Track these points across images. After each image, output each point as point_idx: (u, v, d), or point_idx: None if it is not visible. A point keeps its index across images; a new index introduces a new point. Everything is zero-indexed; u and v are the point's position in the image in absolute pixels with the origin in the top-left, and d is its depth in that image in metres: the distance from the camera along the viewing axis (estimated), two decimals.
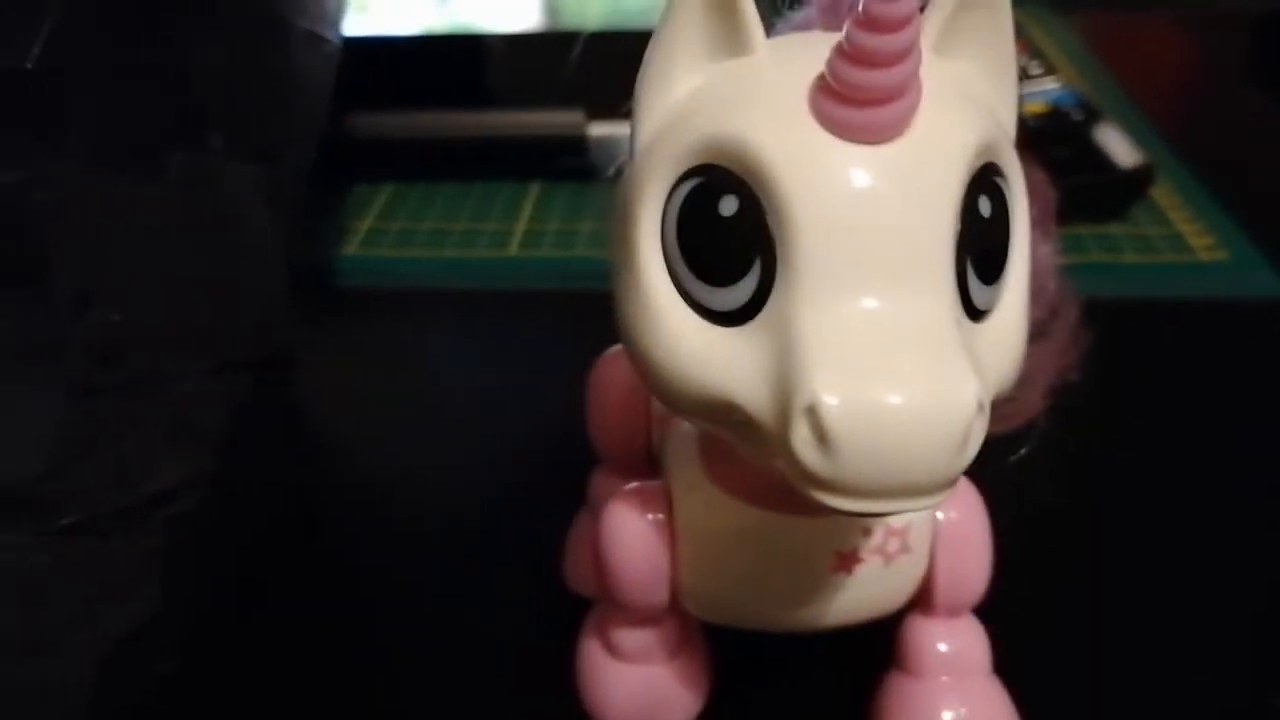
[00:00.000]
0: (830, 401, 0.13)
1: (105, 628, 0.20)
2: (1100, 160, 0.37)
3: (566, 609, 0.22)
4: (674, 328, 0.15)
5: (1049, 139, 0.39)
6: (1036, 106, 0.42)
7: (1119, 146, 0.37)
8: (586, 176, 0.41)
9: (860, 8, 0.13)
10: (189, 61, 0.20)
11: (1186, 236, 0.37)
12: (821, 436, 0.13)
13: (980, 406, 0.13)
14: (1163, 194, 0.39)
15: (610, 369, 0.21)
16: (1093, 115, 0.40)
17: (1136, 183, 0.37)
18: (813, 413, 0.13)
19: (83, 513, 0.19)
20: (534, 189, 0.41)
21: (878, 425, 0.13)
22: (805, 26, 0.17)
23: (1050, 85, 0.43)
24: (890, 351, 0.13)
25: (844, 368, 0.13)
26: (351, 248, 0.38)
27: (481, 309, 0.35)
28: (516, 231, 0.38)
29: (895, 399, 0.13)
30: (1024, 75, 0.44)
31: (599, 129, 0.40)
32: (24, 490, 0.19)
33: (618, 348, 0.22)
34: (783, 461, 0.13)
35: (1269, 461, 0.27)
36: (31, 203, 0.18)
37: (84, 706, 0.20)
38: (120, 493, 0.20)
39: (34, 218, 0.18)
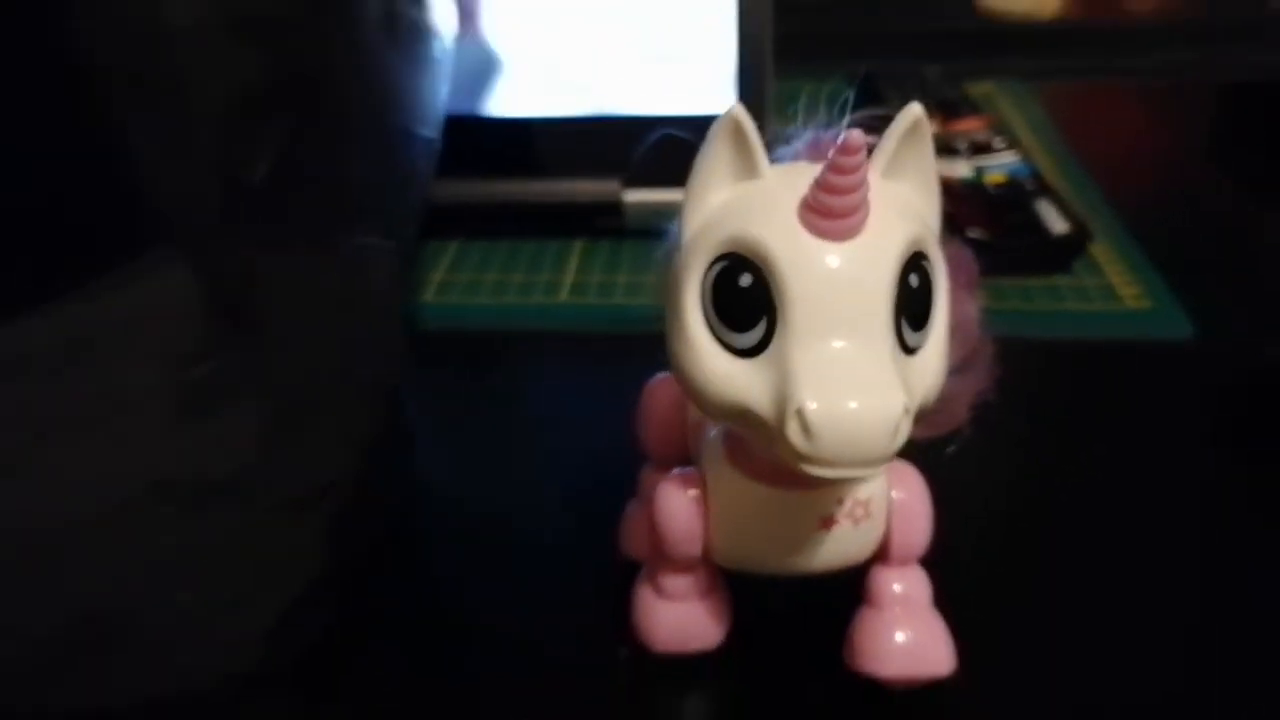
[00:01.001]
0: (812, 405, 0.20)
1: (283, 591, 0.28)
2: (1039, 226, 0.45)
3: (622, 569, 0.29)
4: (708, 359, 0.22)
5: (1005, 206, 0.47)
6: (997, 177, 0.49)
7: (1054, 215, 0.45)
8: (621, 235, 0.48)
9: (831, 156, 0.20)
10: (350, 170, 0.28)
11: (1117, 287, 0.44)
12: (805, 428, 0.20)
13: (906, 410, 0.20)
14: (1101, 251, 0.47)
15: (656, 392, 0.29)
16: (1042, 186, 0.48)
17: (1070, 246, 0.44)
18: (800, 413, 0.20)
19: (274, 499, 0.27)
20: (577, 245, 0.49)
21: (840, 421, 0.20)
22: (796, 158, 0.24)
23: (1010, 159, 0.51)
24: (849, 375, 0.20)
25: (820, 385, 0.20)
26: (429, 296, 0.45)
27: (539, 348, 0.42)
28: (565, 282, 0.46)
29: (852, 404, 0.20)
30: (988, 149, 0.51)
31: (631, 195, 0.48)
32: (234, 479, 0.26)
33: (660, 376, 0.29)
34: (780, 446, 0.21)
35: (1161, 471, 0.34)
36: (256, 269, 0.25)
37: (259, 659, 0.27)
38: (298, 485, 0.27)
39: (260, 283, 0.25)
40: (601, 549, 0.31)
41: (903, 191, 0.23)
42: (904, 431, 0.20)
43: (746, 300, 0.21)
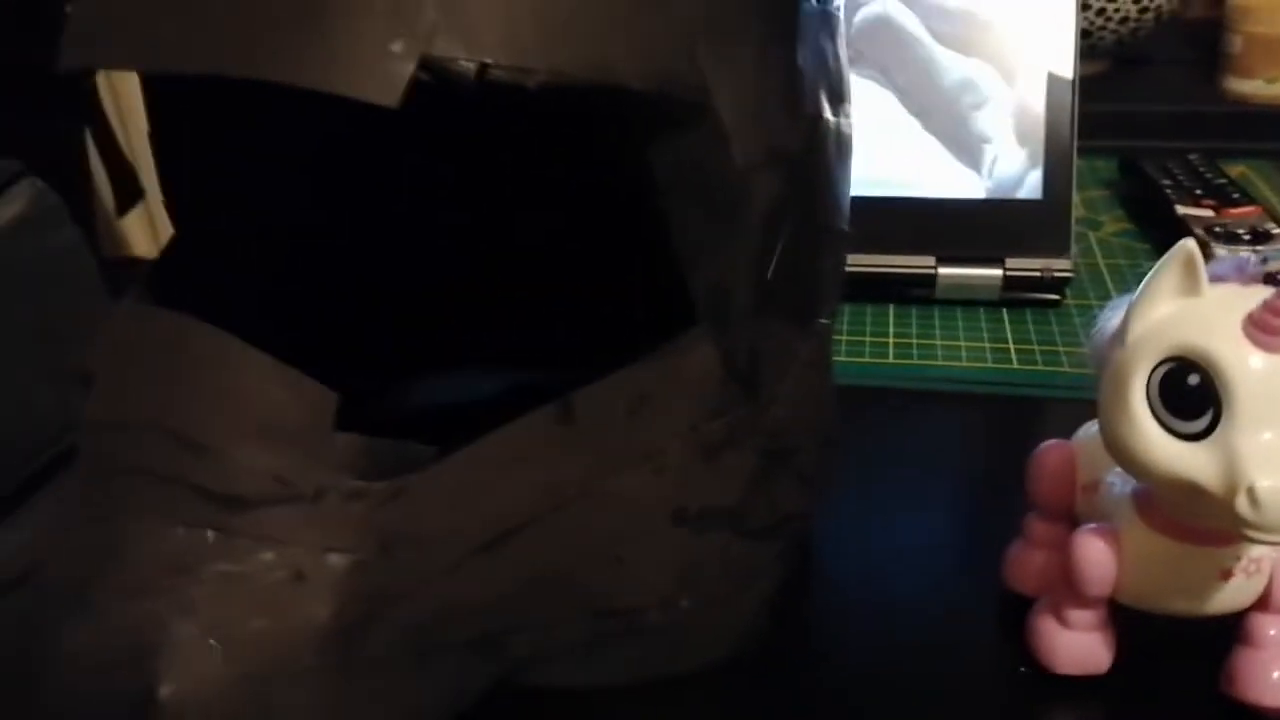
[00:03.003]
0: (1265, 484, 0.25)
1: (751, 597, 0.34)
2: None
3: (1008, 598, 0.34)
4: (1153, 441, 0.27)
5: None
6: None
7: None
8: (930, 303, 0.54)
9: (1276, 295, 0.25)
10: (819, 264, 0.33)
11: None
12: (1254, 502, 0.25)
13: None
14: None
15: (1051, 454, 0.34)
16: None
17: None
18: (1251, 490, 0.25)
19: (754, 525, 0.33)
20: (892, 309, 0.54)
21: None
22: (1221, 278, 0.29)
23: None
24: None
25: (1266, 469, 0.25)
26: None
27: (876, 404, 0.47)
28: (890, 342, 0.51)
29: None
30: (1268, 236, 0.55)
31: (945, 271, 0.53)
32: (729, 509, 0.32)
33: (1052, 442, 0.34)
34: (1223, 514, 0.26)
35: None
36: (758, 345, 0.31)
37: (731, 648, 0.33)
38: (771, 515, 0.33)
39: (760, 356, 0.31)
40: (984, 580, 0.36)
41: None
42: None
43: (1196, 396, 0.26)
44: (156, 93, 0.33)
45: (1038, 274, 0.53)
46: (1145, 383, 0.27)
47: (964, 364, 0.50)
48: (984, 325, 0.53)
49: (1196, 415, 0.27)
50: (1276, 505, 0.25)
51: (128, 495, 0.27)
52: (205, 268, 0.34)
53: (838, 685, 0.34)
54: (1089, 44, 0.83)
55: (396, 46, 0.24)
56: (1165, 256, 0.28)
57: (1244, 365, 0.26)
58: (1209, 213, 0.59)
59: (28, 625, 0.27)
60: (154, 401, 0.27)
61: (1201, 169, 0.65)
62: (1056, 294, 0.53)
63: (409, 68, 0.24)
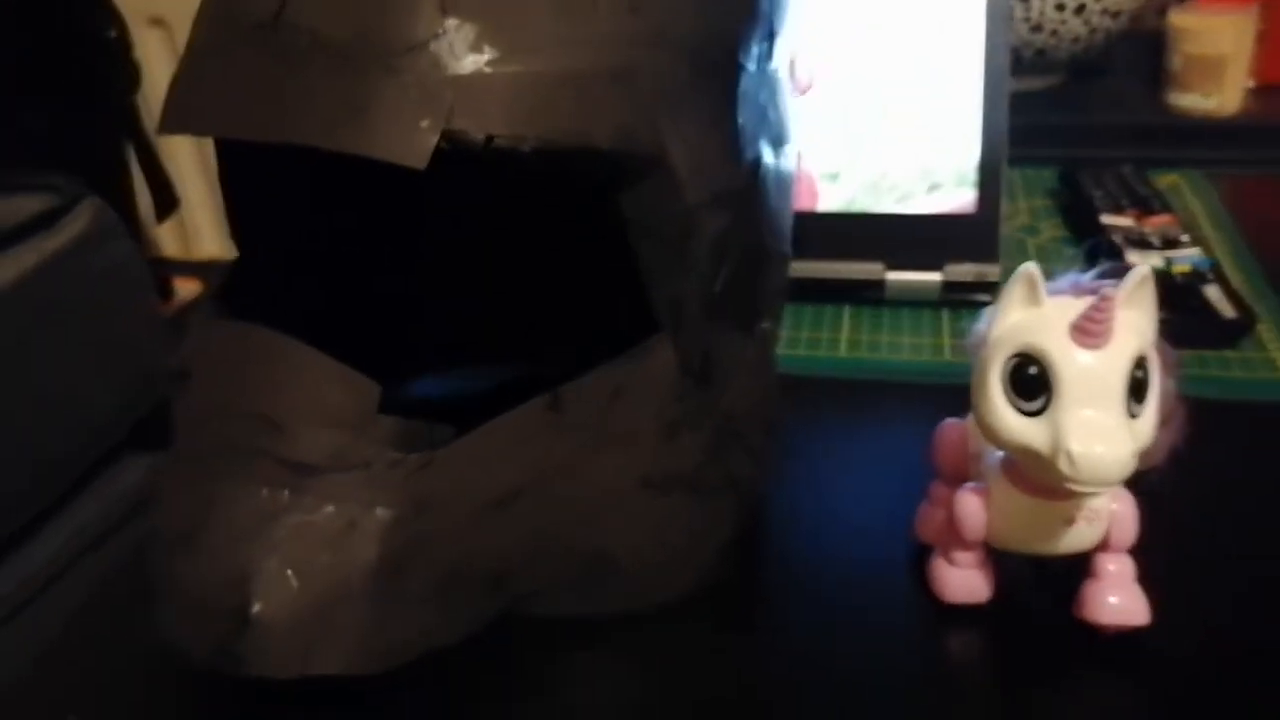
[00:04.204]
0: (1077, 449, 0.33)
1: (709, 546, 0.42)
2: (1212, 311, 0.56)
3: (917, 547, 0.42)
4: (1005, 417, 0.35)
5: (1186, 292, 0.58)
6: (1183, 268, 0.61)
7: (1224, 303, 0.56)
8: (880, 304, 0.62)
9: (1093, 303, 0.33)
10: (763, 281, 0.42)
11: (1276, 360, 0.56)
12: (1071, 462, 0.33)
13: (1134, 455, 0.33)
14: (1266, 330, 0.58)
15: (948, 432, 0.42)
16: (1218, 276, 0.59)
17: (1236, 328, 0.56)
18: (1068, 453, 0.33)
19: (711, 487, 0.41)
20: (847, 310, 0.63)
21: (1094, 459, 0.33)
22: (1059, 292, 0.37)
23: (1194, 253, 0.62)
24: (1099, 432, 0.33)
25: (1081, 437, 0.33)
26: None
27: (828, 392, 0.56)
28: (842, 339, 0.60)
29: (1100, 449, 0.33)
30: (1177, 243, 0.63)
31: (892, 276, 0.61)
32: (689, 474, 0.40)
33: (949, 420, 0.42)
34: (1052, 472, 0.34)
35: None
36: (709, 346, 0.39)
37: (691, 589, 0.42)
38: (726, 479, 0.41)
39: (711, 355, 0.39)
40: (899, 534, 0.44)
41: (1133, 317, 0.36)
42: (1132, 465, 0.33)
43: (1036, 383, 0.35)
44: (229, 148, 0.41)
45: (971, 279, 0.61)
46: (1000, 373, 0.36)
47: (906, 357, 0.58)
48: (925, 324, 0.61)
49: (1035, 397, 0.35)
50: (1087, 464, 0.33)
51: (223, 464, 0.35)
52: (268, 282, 0.42)
53: (780, 619, 0.42)
54: (1044, 60, 0.91)
55: (424, 123, 0.32)
56: (1013, 276, 0.36)
57: (1069, 359, 0.34)
58: (1130, 221, 0.67)
59: (141, 561, 0.36)
60: (241, 393, 0.36)
61: (1131, 180, 0.72)
62: (988, 296, 0.61)
63: (434, 139, 0.32)
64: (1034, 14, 0.87)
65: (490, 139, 0.33)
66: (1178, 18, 0.88)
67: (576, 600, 0.41)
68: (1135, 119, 0.89)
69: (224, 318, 0.38)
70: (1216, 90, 0.87)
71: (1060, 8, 0.88)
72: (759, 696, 0.39)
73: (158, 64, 1.50)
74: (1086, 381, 0.34)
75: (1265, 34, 0.93)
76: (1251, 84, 0.94)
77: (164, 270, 1.29)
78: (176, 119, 0.36)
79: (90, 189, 0.77)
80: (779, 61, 0.42)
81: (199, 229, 1.63)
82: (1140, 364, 0.35)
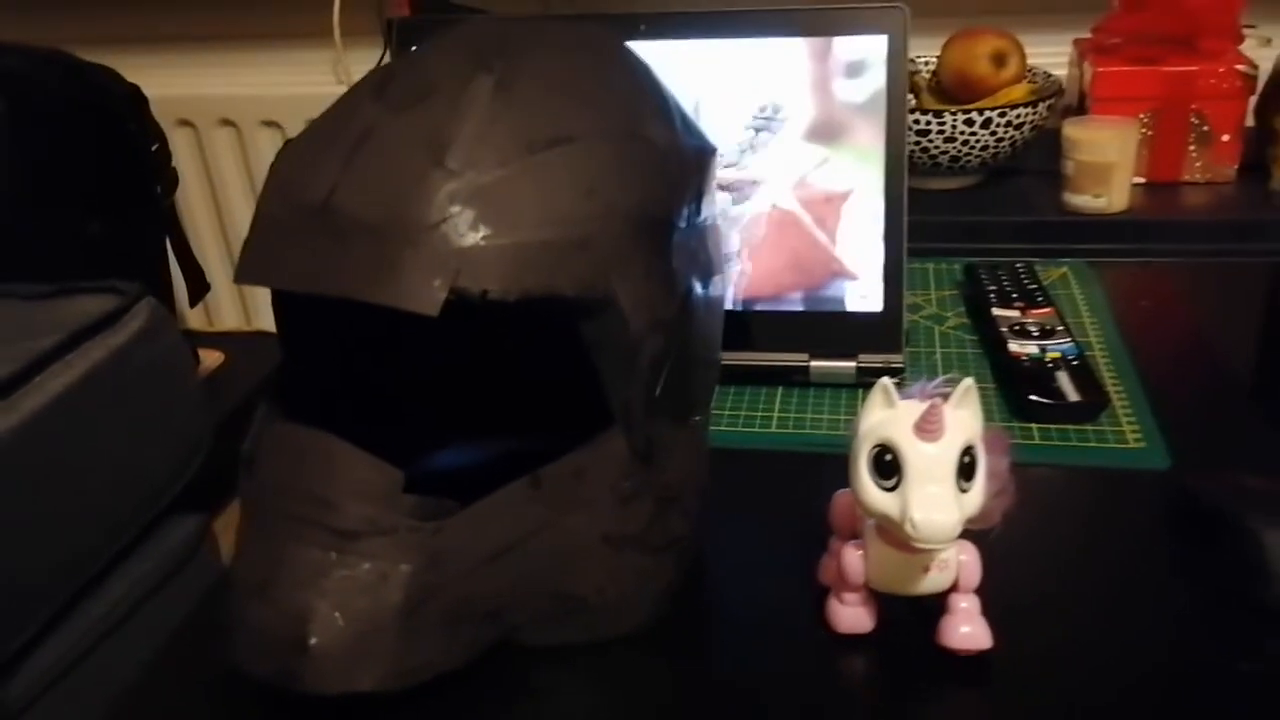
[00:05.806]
0: (918, 516, 0.44)
1: (658, 586, 0.53)
2: (1064, 395, 0.68)
3: (818, 590, 0.53)
4: (870, 491, 0.46)
5: (1050, 379, 0.69)
6: (1055, 354, 0.72)
7: (1073, 387, 0.68)
8: (808, 386, 0.73)
9: (927, 409, 0.44)
10: (694, 380, 0.53)
11: (1126, 431, 0.67)
12: (914, 526, 0.44)
13: (962, 520, 0.44)
14: (1122, 403, 0.69)
15: (842, 499, 0.53)
16: (1083, 363, 0.70)
17: (1086, 409, 0.67)
18: (911, 519, 0.44)
19: (655, 544, 0.52)
20: (780, 391, 0.73)
21: (931, 524, 0.44)
22: (910, 396, 0.48)
23: (1065, 342, 0.73)
24: (935, 504, 0.44)
25: (921, 507, 0.44)
26: None
27: (759, 461, 0.66)
28: (774, 416, 0.71)
29: (936, 517, 0.44)
30: (1052, 334, 0.74)
31: (815, 364, 0.72)
32: (639, 534, 0.51)
33: (841, 491, 0.53)
34: (902, 533, 0.45)
35: (1125, 554, 0.57)
36: (651, 433, 0.50)
37: (646, 621, 0.52)
38: (667, 537, 0.52)
39: (654, 441, 0.50)
40: (808, 579, 0.55)
41: (963, 416, 0.47)
42: (959, 529, 0.44)
43: (891, 468, 0.46)
44: (287, 295, 0.52)
45: (880, 365, 0.72)
46: (866, 458, 0.47)
47: (825, 432, 0.69)
48: (843, 403, 0.72)
49: (890, 476, 0.46)
50: (926, 528, 0.44)
51: (286, 530, 0.46)
52: (310, 385, 0.53)
53: (715, 646, 0.53)
54: (959, 165, 1.03)
55: (437, 283, 0.43)
56: (874, 386, 0.47)
57: (914, 449, 0.45)
58: (1016, 313, 0.78)
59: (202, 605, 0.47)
60: (299, 477, 0.47)
61: (1022, 275, 0.84)
62: (894, 379, 0.72)
63: (444, 295, 0.43)
64: (947, 128, 0.99)
65: (485, 293, 0.44)
66: (1070, 129, 1.00)
67: (555, 632, 0.51)
68: (1036, 217, 1.00)
69: (278, 417, 0.49)
70: (1105, 191, 0.99)
71: (970, 122, 0.99)
72: (699, 707, 0.49)
73: (187, 162, 1.64)
74: (926, 465, 0.45)
75: (1153, 139, 1.05)
76: (1141, 181, 1.05)
77: (190, 341, 1.40)
78: (251, 273, 0.46)
79: (139, 281, 0.88)
80: (706, 213, 0.54)
81: (220, 306, 1.76)
82: (968, 451, 0.46)
